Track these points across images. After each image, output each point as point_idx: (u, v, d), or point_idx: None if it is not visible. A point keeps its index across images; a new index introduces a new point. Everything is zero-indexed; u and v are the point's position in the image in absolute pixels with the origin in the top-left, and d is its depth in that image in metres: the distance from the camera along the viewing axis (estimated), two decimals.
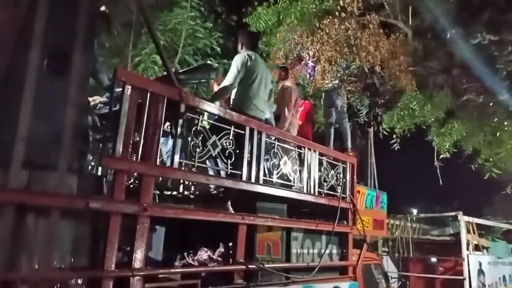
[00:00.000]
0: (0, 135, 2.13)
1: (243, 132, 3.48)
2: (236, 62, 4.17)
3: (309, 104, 7.08)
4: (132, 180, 3.41)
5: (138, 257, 2.59)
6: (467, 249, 9.58)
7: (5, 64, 2.14)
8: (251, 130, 3.55)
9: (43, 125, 2.32)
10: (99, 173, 3.37)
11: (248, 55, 4.24)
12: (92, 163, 3.62)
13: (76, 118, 2.48)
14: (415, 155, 16.73)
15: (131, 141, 2.65)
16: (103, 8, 3.70)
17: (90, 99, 3.67)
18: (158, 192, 3.65)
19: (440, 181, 13.86)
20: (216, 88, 4.81)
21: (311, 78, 9.04)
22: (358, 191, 5.47)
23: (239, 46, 4.50)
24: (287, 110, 5.51)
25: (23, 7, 2.29)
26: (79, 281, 2.44)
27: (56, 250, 2.30)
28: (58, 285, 2.36)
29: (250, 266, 3.33)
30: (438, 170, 13.55)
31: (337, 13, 9.06)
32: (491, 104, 11.42)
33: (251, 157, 3.50)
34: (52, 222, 2.26)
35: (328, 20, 9.11)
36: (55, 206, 2.28)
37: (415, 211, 14.36)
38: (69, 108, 2.44)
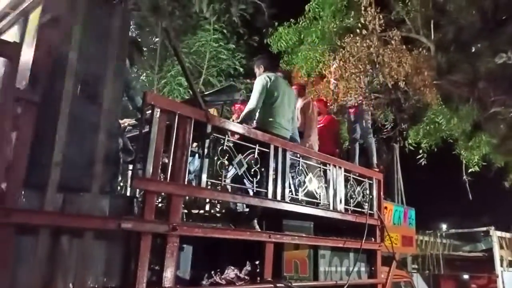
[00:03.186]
0: (37, 160, 2.23)
1: (268, 150, 3.53)
2: (257, 85, 4.27)
3: (332, 120, 7.08)
4: (161, 200, 3.49)
5: (168, 276, 2.64)
6: (501, 265, 9.29)
7: (42, 91, 2.25)
8: (276, 148, 3.59)
9: (77, 150, 2.42)
10: (130, 194, 3.45)
11: (268, 76, 4.33)
12: (123, 184, 3.72)
13: (108, 142, 2.58)
14: (443, 169, 16.39)
15: (160, 162, 2.73)
16: (134, 36, 3.85)
17: (120, 121, 3.80)
18: (185, 210, 3.71)
19: (470, 195, 13.55)
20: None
21: (334, 95, 9.07)
22: (386, 207, 5.42)
23: (260, 70, 4.59)
24: (310, 126, 5.54)
25: (58, 35, 2.41)
26: None
27: (89, 270, 2.37)
28: None
29: (278, 285, 3.33)
30: (467, 185, 13.25)
31: (358, 30, 9.12)
32: None
33: (276, 175, 3.54)
34: (85, 243, 2.34)
35: (350, 37, 9.16)
36: (88, 228, 2.36)
37: (444, 227, 14.01)
38: (101, 132, 2.54)
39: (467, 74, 10.53)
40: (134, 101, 3.71)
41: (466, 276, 10.30)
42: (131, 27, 3.93)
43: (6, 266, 2.03)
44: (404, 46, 9.39)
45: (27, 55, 2.32)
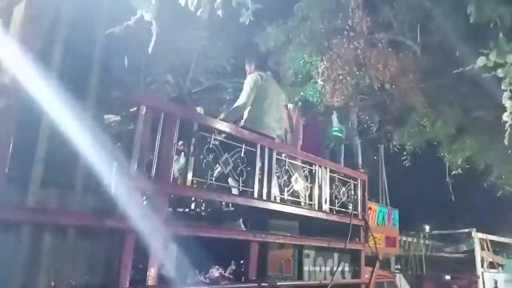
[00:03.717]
0: (20, 156, 2.19)
1: (254, 149, 3.53)
2: (249, 82, 4.26)
3: (318, 121, 7.12)
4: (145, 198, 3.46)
5: (152, 275, 2.62)
6: (482, 266, 9.44)
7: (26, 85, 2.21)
8: (262, 148, 3.59)
9: (60, 146, 2.38)
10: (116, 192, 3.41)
11: (259, 74, 4.33)
12: (108, 182, 3.67)
13: (92, 138, 2.55)
14: (427, 171, 16.58)
15: (145, 160, 2.71)
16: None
17: (105, 117, 3.75)
18: (170, 209, 3.69)
19: (453, 197, 13.73)
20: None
21: (320, 96, 9.11)
22: (370, 208, 5.46)
23: (250, 68, 4.58)
24: (298, 128, 5.55)
25: (43, 30, 2.38)
26: None
27: (72, 268, 2.34)
28: None
29: (262, 284, 3.34)
30: (450, 187, 13.43)
31: (345, 32, 9.17)
32: (502, 121, 11.35)
33: (262, 174, 3.54)
34: (68, 240, 2.31)
35: (337, 39, 9.21)
36: (72, 225, 2.33)
37: (427, 228, 14.19)
38: (86, 128, 2.51)
39: (452, 78, 10.66)
40: (119, 98, 3.66)
41: (448, 277, 10.44)
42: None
43: None
44: (390, 49, 9.47)
45: (10, 49, 2.27)
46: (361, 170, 6.06)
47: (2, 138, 2.08)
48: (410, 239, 11.17)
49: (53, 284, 2.25)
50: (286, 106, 5.86)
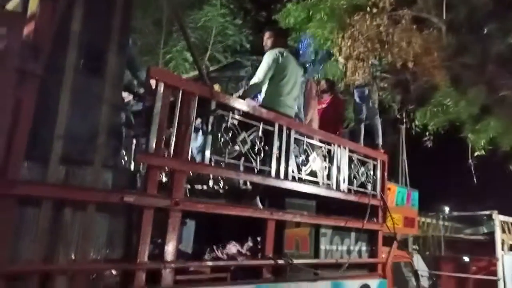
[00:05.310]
0: (40, 133, 2.22)
1: (272, 128, 3.51)
2: (268, 59, 4.18)
3: (336, 99, 7.02)
4: (164, 175, 3.50)
5: (170, 250, 2.66)
6: (502, 248, 9.32)
7: (44, 63, 2.22)
8: (280, 127, 3.57)
9: (80, 123, 2.41)
10: (133, 168, 3.46)
11: (279, 52, 4.24)
12: (126, 159, 3.72)
13: (111, 115, 2.57)
14: (449, 152, 16.33)
15: (164, 138, 2.72)
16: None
17: (123, 95, 3.77)
18: (189, 186, 3.73)
19: (474, 179, 13.52)
20: None
21: (341, 74, 8.98)
22: (389, 189, 5.41)
23: (269, 43, 4.49)
24: (309, 103, 5.50)
25: (61, 7, 2.37)
26: (114, 273, 2.53)
27: (91, 242, 2.39)
28: (94, 276, 2.47)
29: (278, 261, 3.36)
30: (472, 168, 13.22)
31: (368, 8, 8.95)
32: None
33: (280, 153, 3.53)
34: (88, 216, 2.36)
35: (359, 16, 9.00)
36: (91, 201, 2.37)
37: (447, 209, 14.03)
38: (104, 106, 2.53)
39: (477, 57, 10.36)
40: (137, 76, 3.69)
41: (466, 259, 10.35)
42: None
43: (8, 237, 2.05)
44: (414, 26, 9.23)
45: (30, 26, 2.29)
46: (381, 151, 6.00)
47: (21, 116, 2.11)
48: (429, 220, 11.06)
49: (73, 258, 2.30)
50: (308, 83, 5.81)
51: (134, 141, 3.52)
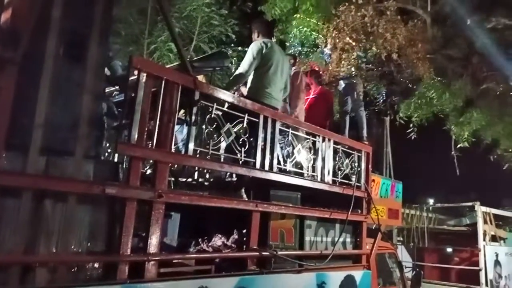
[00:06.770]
0: (19, 122, 2.16)
1: (257, 120, 3.48)
2: (252, 50, 4.16)
3: (324, 91, 7.02)
4: (148, 167, 3.46)
5: (153, 242, 2.63)
6: (484, 239, 9.48)
7: (23, 51, 2.16)
8: (265, 118, 3.55)
9: (60, 112, 2.35)
10: (115, 160, 3.41)
11: (264, 42, 4.22)
12: (108, 150, 3.66)
13: (92, 105, 2.51)
14: (432, 144, 16.54)
15: (146, 129, 2.67)
16: None
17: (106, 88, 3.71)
18: (173, 179, 3.69)
19: (457, 171, 13.70)
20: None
21: (327, 66, 8.97)
22: (373, 180, 5.44)
23: (255, 35, 4.48)
24: (297, 96, 5.49)
25: None
26: (96, 265, 2.49)
27: (73, 234, 2.35)
28: (75, 269, 2.42)
29: (263, 253, 3.36)
30: (455, 160, 13.38)
31: None
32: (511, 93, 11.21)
33: (265, 145, 3.51)
34: (69, 207, 2.31)
35: (345, 6, 8.99)
36: (72, 192, 2.32)
37: (431, 201, 14.21)
38: (85, 95, 2.47)
39: (462, 49, 10.45)
40: (113, 68, 3.63)
41: (449, 250, 10.52)
42: None
43: None
44: (399, 17, 9.26)
45: (8, 12, 2.22)
46: (366, 142, 6.02)
47: (1, 105, 2.05)
48: (413, 211, 11.19)
49: (54, 250, 2.26)
50: (293, 75, 5.79)
51: (117, 132, 3.46)
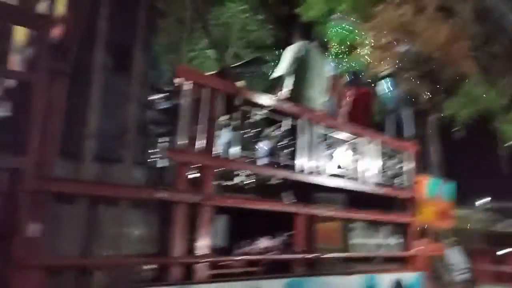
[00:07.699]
0: (73, 132, 2.26)
1: (298, 122, 3.47)
2: (290, 52, 4.16)
3: (365, 91, 6.91)
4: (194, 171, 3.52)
5: (203, 244, 2.67)
6: None
7: (72, 63, 2.26)
8: (306, 121, 3.53)
9: (110, 121, 2.44)
10: (162, 165, 3.49)
11: (301, 45, 4.21)
12: (156, 156, 3.75)
13: (139, 114, 2.60)
14: (482, 142, 15.88)
15: (192, 134, 2.73)
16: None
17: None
18: (219, 182, 3.73)
19: (506, 170, 13.14)
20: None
21: (367, 65, 8.83)
22: (421, 180, 5.29)
23: (294, 38, 4.47)
24: (339, 98, 5.45)
25: (87, 7, 2.41)
26: (148, 268, 2.56)
27: (126, 238, 2.43)
28: (129, 271, 2.50)
29: (309, 256, 3.34)
30: (503, 159, 12.86)
31: None
32: None
33: (306, 147, 3.49)
34: (121, 212, 2.39)
35: (383, 5, 8.84)
36: (124, 197, 2.40)
37: (483, 201, 13.66)
38: (133, 104, 2.56)
39: (505, 46, 10.04)
40: (160, 73, 3.72)
41: (502, 252, 10.08)
42: None
43: (44, 234, 2.09)
44: (439, 15, 9.00)
45: (58, 26, 2.32)
46: (411, 142, 5.87)
47: (54, 115, 2.15)
48: (464, 212, 10.80)
49: (107, 254, 2.34)
50: (331, 76, 5.74)
51: (164, 138, 3.55)
